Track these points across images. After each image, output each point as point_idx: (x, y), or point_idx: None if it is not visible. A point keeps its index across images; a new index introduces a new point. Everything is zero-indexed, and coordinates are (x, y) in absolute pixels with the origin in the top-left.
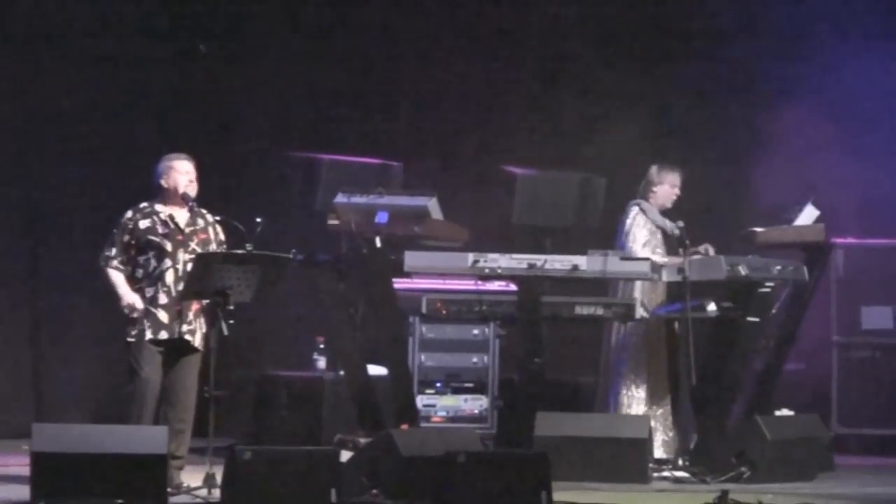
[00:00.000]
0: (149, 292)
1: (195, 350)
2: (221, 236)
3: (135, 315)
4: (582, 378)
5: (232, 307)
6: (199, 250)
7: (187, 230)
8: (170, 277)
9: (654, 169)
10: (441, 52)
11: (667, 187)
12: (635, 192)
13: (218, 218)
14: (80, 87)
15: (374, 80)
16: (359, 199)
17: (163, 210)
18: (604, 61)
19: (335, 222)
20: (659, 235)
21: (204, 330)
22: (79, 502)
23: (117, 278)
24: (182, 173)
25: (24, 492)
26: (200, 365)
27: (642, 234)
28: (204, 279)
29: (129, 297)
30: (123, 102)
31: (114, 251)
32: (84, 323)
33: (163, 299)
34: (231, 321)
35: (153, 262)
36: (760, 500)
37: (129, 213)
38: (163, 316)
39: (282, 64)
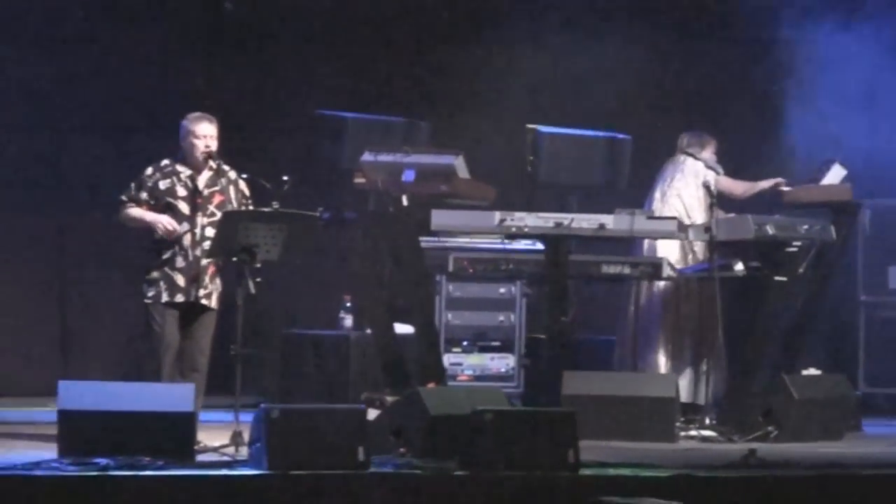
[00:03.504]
0: (166, 254)
1: (211, 309)
2: (246, 191)
3: (174, 231)
4: (605, 337)
5: (259, 265)
6: (217, 213)
7: (206, 192)
8: (187, 240)
9: (706, 135)
10: (465, 12)
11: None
12: (662, 151)
13: (245, 176)
14: (103, 52)
15: (399, 39)
16: (385, 158)
17: (184, 170)
18: (631, 20)
19: (362, 181)
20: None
21: (220, 290)
22: (105, 459)
23: (137, 211)
24: (200, 137)
25: (51, 449)
26: (225, 323)
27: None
28: (231, 237)
29: (160, 219)
30: (150, 61)
31: (128, 198)
32: (110, 283)
33: (180, 262)
34: (258, 279)
35: None
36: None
37: (150, 171)
38: (179, 279)
39: (308, 23)
